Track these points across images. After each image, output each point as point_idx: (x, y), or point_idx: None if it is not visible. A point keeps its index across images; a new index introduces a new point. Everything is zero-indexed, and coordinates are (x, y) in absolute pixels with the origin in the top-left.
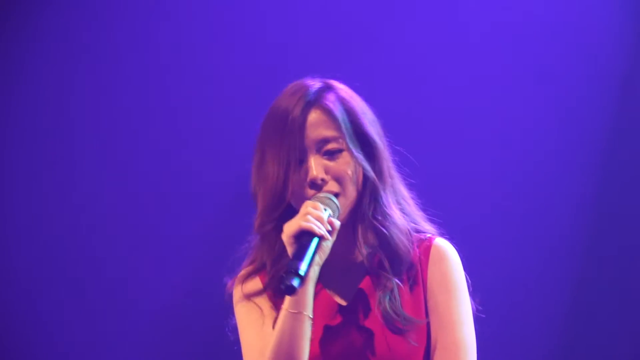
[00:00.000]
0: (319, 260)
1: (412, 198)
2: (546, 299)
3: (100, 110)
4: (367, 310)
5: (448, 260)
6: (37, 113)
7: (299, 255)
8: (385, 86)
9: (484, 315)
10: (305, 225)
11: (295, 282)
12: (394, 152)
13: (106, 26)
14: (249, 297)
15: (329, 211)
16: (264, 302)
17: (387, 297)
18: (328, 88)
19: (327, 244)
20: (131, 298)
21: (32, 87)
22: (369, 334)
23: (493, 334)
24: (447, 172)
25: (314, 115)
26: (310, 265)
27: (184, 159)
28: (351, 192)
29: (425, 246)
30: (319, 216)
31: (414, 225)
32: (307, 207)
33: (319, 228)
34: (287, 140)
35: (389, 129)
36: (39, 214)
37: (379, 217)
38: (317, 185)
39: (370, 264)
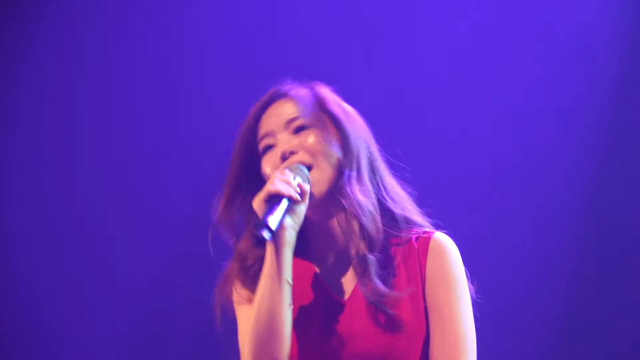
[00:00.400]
0: (293, 224)
1: (410, 194)
2: (544, 296)
3: (100, 110)
4: (364, 301)
5: (447, 254)
6: (37, 113)
7: (268, 211)
8: (385, 86)
9: (478, 315)
10: (272, 188)
11: (266, 234)
12: (389, 151)
13: (106, 25)
14: (249, 299)
15: (298, 178)
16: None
17: (366, 278)
18: (303, 86)
19: (300, 208)
20: (131, 298)
21: (30, 87)
22: (368, 325)
23: (491, 330)
24: (446, 171)
25: (276, 105)
26: (280, 218)
27: (183, 159)
28: (325, 165)
29: (424, 240)
30: (286, 179)
31: (401, 212)
32: (274, 174)
33: (286, 189)
34: (249, 134)
35: (388, 129)
36: (39, 214)
37: (342, 193)
38: (286, 159)
39: (360, 248)
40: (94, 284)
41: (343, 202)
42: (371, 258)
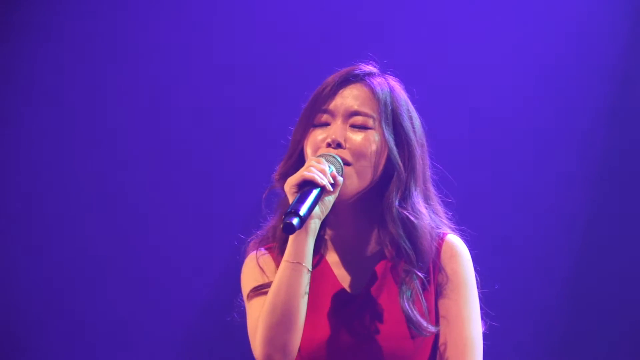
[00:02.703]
0: (320, 213)
1: (448, 216)
2: (544, 296)
3: (100, 109)
4: (375, 295)
5: (459, 256)
6: (36, 113)
7: (300, 199)
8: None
9: (493, 313)
10: (308, 174)
11: (295, 221)
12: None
13: (106, 24)
14: (258, 269)
15: (333, 168)
16: (272, 273)
17: (409, 293)
18: (381, 74)
19: (329, 199)
20: (131, 298)
21: (29, 87)
22: (377, 324)
23: (495, 332)
24: (446, 171)
25: (355, 88)
26: (310, 210)
27: (186, 158)
28: (365, 169)
29: (438, 242)
30: (322, 169)
31: (436, 223)
32: (311, 160)
33: (321, 178)
34: (318, 101)
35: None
36: (39, 214)
37: (409, 210)
38: (332, 148)
39: (390, 256)
40: (93, 283)
41: (406, 214)
42: (419, 275)
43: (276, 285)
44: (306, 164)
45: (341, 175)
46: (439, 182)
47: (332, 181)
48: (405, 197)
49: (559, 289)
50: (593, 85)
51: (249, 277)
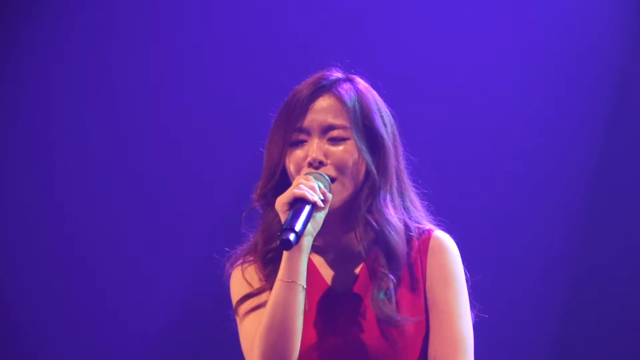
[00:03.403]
0: (312, 230)
1: (423, 205)
2: (543, 296)
3: (98, 109)
4: (362, 295)
5: (447, 252)
6: (36, 113)
7: (293, 216)
8: (385, 86)
9: (484, 316)
10: (298, 192)
11: (292, 237)
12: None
13: (106, 24)
14: (245, 279)
15: (321, 185)
16: (259, 283)
17: (382, 294)
18: (346, 79)
19: (320, 215)
20: (131, 298)
21: (29, 87)
22: (365, 323)
23: (489, 329)
24: (446, 170)
25: (324, 100)
26: (305, 225)
27: (184, 158)
28: (349, 181)
29: (425, 238)
30: (311, 186)
31: (416, 221)
32: (299, 178)
33: (312, 195)
34: (292, 119)
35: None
36: (39, 214)
37: (375, 214)
38: (314, 167)
39: (367, 258)
40: (92, 283)
41: (372, 220)
42: (392, 278)
43: (272, 305)
44: (294, 182)
45: (329, 191)
46: (417, 175)
47: (322, 197)
48: (374, 202)
49: (557, 288)
50: (593, 86)
51: (237, 290)
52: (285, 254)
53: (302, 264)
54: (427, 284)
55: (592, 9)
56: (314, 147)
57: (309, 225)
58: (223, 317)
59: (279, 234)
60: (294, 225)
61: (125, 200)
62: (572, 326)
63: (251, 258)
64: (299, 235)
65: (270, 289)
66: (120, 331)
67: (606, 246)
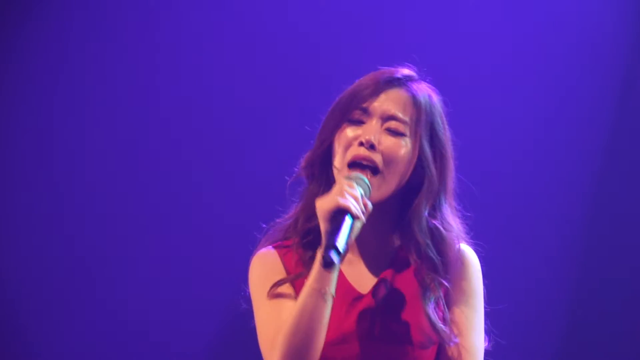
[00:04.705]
0: (350, 240)
1: (458, 216)
2: (546, 297)
3: (97, 109)
4: (386, 296)
5: (471, 266)
6: (35, 113)
7: (337, 231)
8: None
9: (496, 331)
10: (344, 203)
11: (335, 258)
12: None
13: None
14: (266, 270)
15: (362, 191)
16: (280, 275)
17: (432, 299)
18: (420, 80)
19: (358, 225)
20: (131, 298)
21: (29, 87)
22: (388, 320)
23: (491, 330)
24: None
25: (394, 91)
26: (348, 243)
27: (185, 158)
28: (393, 177)
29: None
30: (356, 196)
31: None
32: (343, 184)
33: (356, 208)
34: (358, 98)
35: None
36: (39, 214)
37: (439, 221)
38: (363, 147)
39: (416, 262)
40: (93, 283)
41: (438, 225)
42: (445, 284)
43: (299, 310)
44: (338, 187)
45: (369, 195)
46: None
47: (364, 209)
48: (436, 208)
49: (560, 289)
50: (596, 87)
51: (257, 279)
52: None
53: (335, 273)
54: (447, 295)
55: (595, 8)
56: (370, 129)
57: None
58: (223, 317)
59: (322, 251)
60: (338, 244)
61: (126, 200)
62: (575, 326)
63: (277, 244)
64: (343, 255)
65: (305, 277)
66: (121, 331)
67: (608, 247)
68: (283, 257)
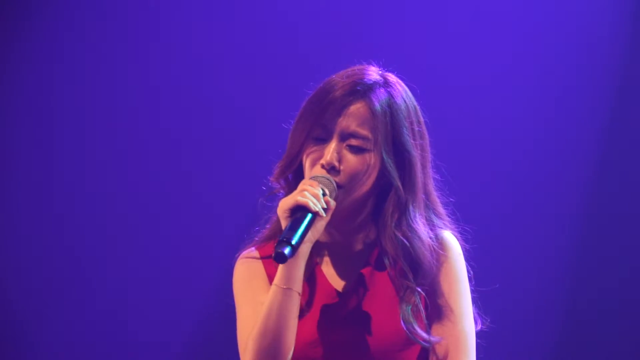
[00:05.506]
0: (312, 237)
1: (448, 216)
2: (544, 296)
3: (96, 108)
4: (365, 294)
5: (450, 251)
6: (34, 113)
7: (292, 227)
8: None
9: (488, 319)
10: (301, 200)
11: (287, 250)
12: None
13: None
14: (248, 274)
15: (327, 191)
16: (262, 280)
17: (409, 309)
18: (384, 84)
19: (321, 223)
20: (131, 298)
21: (29, 87)
22: (367, 318)
23: (490, 329)
24: (446, 171)
25: (355, 106)
26: (302, 237)
27: (185, 158)
28: (358, 190)
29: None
30: (316, 194)
31: (440, 228)
32: (305, 184)
33: (315, 205)
34: (318, 113)
35: None
36: (37, 214)
37: (404, 230)
38: (326, 170)
39: (391, 272)
40: (92, 283)
41: (401, 237)
42: (419, 291)
43: (266, 310)
44: (299, 186)
45: (334, 197)
46: (442, 182)
47: (325, 206)
48: (402, 217)
49: (558, 289)
50: (594, 86)
51: (239, 283)
52: None
53: (298, 270)
54: (430, 284)
55: (593, 9)
56: (331, 150)
57: (309, 233)
58: (222, 318)
59: (274, 244)
60: (290, 238)
61: (125, 200)
62: (573, 326)
63: (261, 245)
64: (295, 248)
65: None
66: (121, 331)
67: (607, 246)
68: (264, 261)
